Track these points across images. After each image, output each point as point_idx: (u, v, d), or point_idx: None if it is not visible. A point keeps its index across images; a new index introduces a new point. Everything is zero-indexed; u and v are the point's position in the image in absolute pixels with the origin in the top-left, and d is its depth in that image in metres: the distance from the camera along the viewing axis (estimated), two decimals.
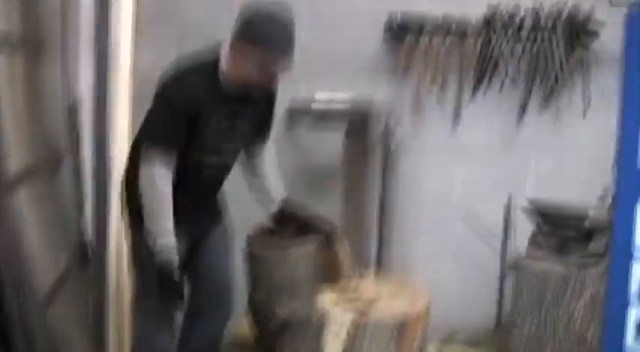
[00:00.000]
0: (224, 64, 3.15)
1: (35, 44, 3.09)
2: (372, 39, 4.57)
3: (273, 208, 3.58)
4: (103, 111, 3.72)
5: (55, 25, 3.29)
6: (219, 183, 3.46)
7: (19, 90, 2.82)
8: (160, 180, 3.07)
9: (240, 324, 3.94)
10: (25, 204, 2.79)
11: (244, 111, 3.29)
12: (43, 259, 2.90)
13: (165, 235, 3.11)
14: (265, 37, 3.05)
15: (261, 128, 3.51)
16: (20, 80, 2.83)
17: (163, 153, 3.07)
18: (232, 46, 3.12)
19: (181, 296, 3.27)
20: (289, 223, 3.59)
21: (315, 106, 4.35)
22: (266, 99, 3.44)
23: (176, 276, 3.13)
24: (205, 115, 3.15)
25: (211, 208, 3.52)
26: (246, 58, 3.08)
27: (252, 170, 3.60)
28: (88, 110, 3.74)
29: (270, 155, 3.63)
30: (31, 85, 2.99)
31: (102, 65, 3.69)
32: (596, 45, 4.68)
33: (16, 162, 2.72)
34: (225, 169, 3.42)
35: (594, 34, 4.65)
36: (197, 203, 3.37)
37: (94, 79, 3.71)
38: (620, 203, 3.24)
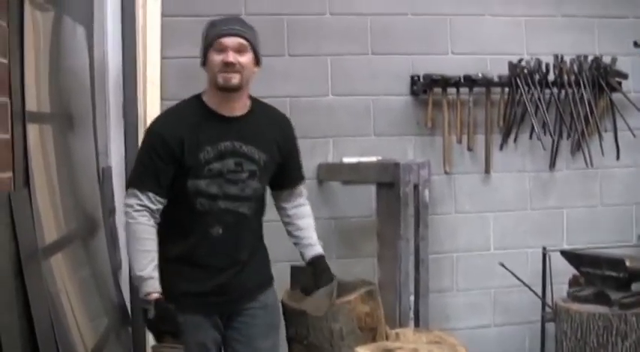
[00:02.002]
0: (207, 92, 3.00)
1: (66, 117, 3.15)
2: (399, 93, 4.62)
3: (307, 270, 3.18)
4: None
5: (85, 98, 3.36)
6: (238, 239, 2.97)
7: (52, 161, 2.87)
8: (133, 219, 2.85)
9: None
10: (62, 271, 2.82)
11: (245, 143, 2.94)
12: (82, 325, 2.92)
13: (146, 279, 2.82)
14: (213, 29, 2.93)
15: (283, 168, 3.10)
16: (52, 152, 2.89)
17: (138, 193, 2.85)
18: (206, 70, 2.99)
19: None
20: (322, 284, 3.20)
21: (346, 161, 4.39)
22: (277, 130, 3.09)
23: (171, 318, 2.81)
24: (193, 149, 2.87)
25: (239, 277, 2.99)
26: (210, 61, 2.91)
27: (284, 218, 3.20)
28: (119, 178, 3.81)
29: (307, 206, 3.25)
30: (63, 156, 3.03)
31: (131, 135, 3.78)
32: (624, 87, 4.69)
33: (50, 232, 2.75)
34: (241, 219, 2.96)
35: (622, 76, 4.65)
36: (212, 267, 2.95)
37: (124, 149, 3.80)
38: None
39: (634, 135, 4.58)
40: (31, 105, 2.61)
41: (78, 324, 2.87)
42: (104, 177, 3.65)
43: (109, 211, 3.71)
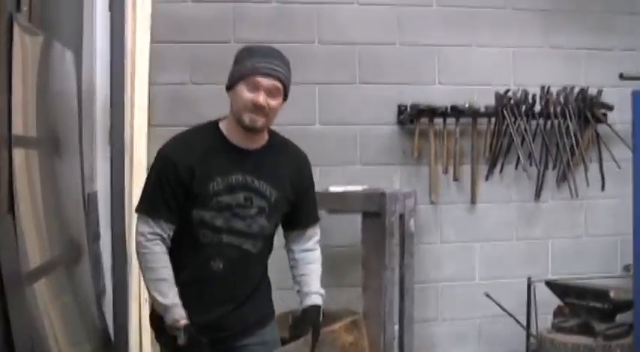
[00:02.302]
0: (224, 121, 2.82)
1: (52, 141, 3.15)
2: (386, 123, 4.65)
3: (298, 317, 2.96)
4: (120, 204, 3.79)
5: (72, 123, 3.36)
6: (239, 275, 2.84)
7: (38, 186, 2.87)
8: (146, 249, 2.72)
9: None
10: (45, 296, 2.80)
11: (258, 177, 2.79)
12: (64, 350, 2.89)
13: (170, 307, 2.70)
14: (250, 61, 2.72)
15: (295, 208, 2.93)
16: (37, 176, 2.88)
17: (150, 220, 2.72)
18: (229, 98, 2.79)
19: None
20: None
21: (333, 189, 4.39)
22: (293, 168, 2.93)
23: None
24: (202, 178, 2.74)
25: (238, 312, 2.86)
26: (239, 95, 2.71)
27: (291, 261, 3.01)
28: (105, 203, 3.81)
29: (316, 252, 3.02)
30: (49, 181, 3.03)
31: (117, 160, 3.78)
32: (610, 118, 4.74)
33: (34, 257, 2.74)
34: (245, 256, 2.82)
35: (608, 107, 4.70)
36: (210, 301, 2.84)
37: (110, 173, 3.80)
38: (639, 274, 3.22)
39: (619, 167, 4.62)
40: (17, 129, 2.61)
41: (60, 349, 2.85)
42: (90, 202, 3.65)
43: (94, 236, 3.70)
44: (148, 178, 2.84)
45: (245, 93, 2.70)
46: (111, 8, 3.84)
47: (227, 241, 2.78)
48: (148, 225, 2.73)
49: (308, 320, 2.90)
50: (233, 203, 2.76)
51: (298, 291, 2.96)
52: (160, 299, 2.72)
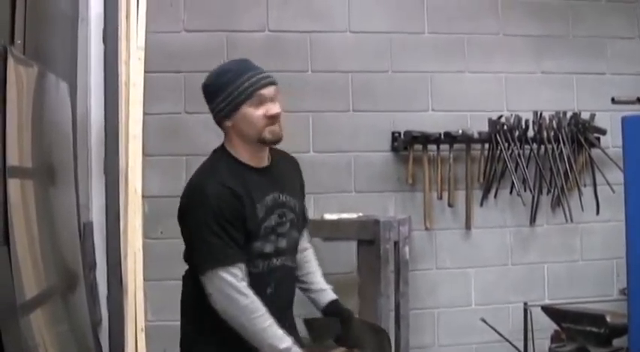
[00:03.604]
0: (233, 146, 2.70)
1: (47, 172, 3.17)
2: (380, 150, 4.70)
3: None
4: (115, 233, 3.81)
5: (67, 153, 3.40)
6: (286, 293, 2.80)
7: (33, 215, 2.88)
8: (235, 295, 2.54)
9: None
10: (41, 327, 2.82)
11: (282, 192, 2.73)
12: None
13: (293, 347, 2.56)
14: (246, 80, 2.64)
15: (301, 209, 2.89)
16: (33, 207, 2.90)
17: (230, 269, 2.55)
18: (231, 127, 2.68)
19: None
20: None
21: (327, 217, 4.42)
22: (296, 174, 2.92)
23: None
24: (249, 207, 2.62)
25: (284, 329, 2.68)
26: (248, 117, 2.63)
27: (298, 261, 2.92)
28: (100, 233, 3.83)
29: (312, 249, 3.00)
30: (44, 211, 3.05)
31: (112, 190, 3.81)
32: (603, 142, 4.78)
33: (30, 287, 2.76)
34: (288, 273, 2.78)
35: (601, 132, 4.75)
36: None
37: (105, 201, 3.82)
38: (634, 298, 3.24)
39: (613, 191, 4.65)
40: (12, 159, 2.64)
41: None
42: (85, 232, 3.67)
43: (90, 266, 3.72)
44: (200, 231, 2.59)
45: (254, 112, 2.62)
46: (104, 40, 3.89)
47: (276, 264, 2.70)
48: (231, 275, 2.54)
49: (344, 312, 2.84)
50: (274, 224, 2.69)
51: (306, 290, 2.89)
52: (279, 344, 2.54)
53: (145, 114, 4.07)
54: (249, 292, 2.55)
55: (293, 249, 2.79)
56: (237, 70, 2.68)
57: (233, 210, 2.58)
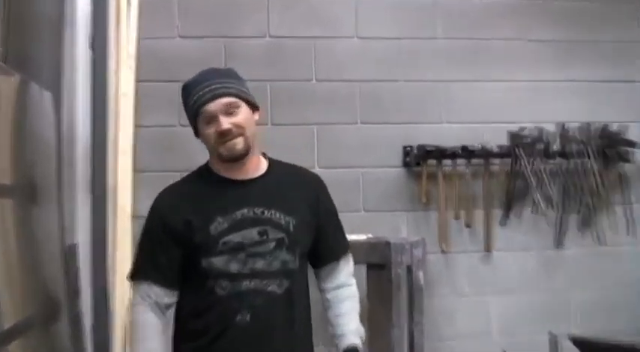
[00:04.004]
0: (211, 159, 2.80)
1: (28, 189, 3.15)
2: (391, 165, 4.67)
3: None
4: (102, 256, 3.78)
5: (50, 169, 3.37)
6: (269, 326, 2.67)
7: (12, 237, 2.86)
8: (136, 314, 2.68)
9: None
10: None
11: (268, 207, 2.69)
12: None
13: None
14: (191, 97, 2.68)
15: (319, 237, 2.82)
16: (12, 227, 2.87)
17: (142, 287, 2.68)
18: (202, 141, 2.77)
19: None
20: None
21: None
22: (304, 188, 2.86)
23: None
24: (202, 224, 2.65)
25: None
26: (204, 135, 2.70)
27: (324, 303, 2.90)
28: (86, 256, 3.80)
29: (351, 288, 2.93)
30: (24, 231, 3.02)
31: (99, 209, 3.78)
32: (636, 156, 4.75)
33: (7, 317, 2.72)
34: (272, 301, 2.67)
35: (632, 144, 4.72)
36: None
37: (91, 223, 3.80)
38: None
39: None
40: None
41: None
42: (69, 255, 3.64)
43: (74, 293, 3.68)
44: (140, 238, 2.79)
45: (206, 129, 2.68)
46: (92, 46, 3.87)
47: (248, 287, 2.64)
48: (140, 292, 2.69)
49: None
50: (245, 241, 2.65)
51: (332, 335, 2.84)
52: None
53: (136, 126, 4.06)
54: (143, 315, 2.67)
55: (280, 272, 2.68)
56: (192, 84, 2.73)
57: (170, 234, 2.67)
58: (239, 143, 2.68)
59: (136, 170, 4.01)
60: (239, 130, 2.67)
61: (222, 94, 2.66)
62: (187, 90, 2.73)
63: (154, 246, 2.70)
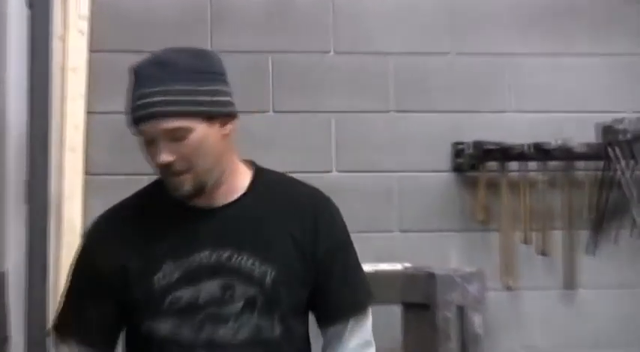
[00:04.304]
0: None
1: None
2: (436, 169, 4.67)
3: None
4: (41, 288, 3.79)
5: None
6: None
7: None
8: None
9: None
10: None
11: (238, 249, 2.56)
12: None
13: None
14: (130, 99, 2.49)
15: (319, 288, 2.69)
16: None
17: (60, 343, 2.66)
18: None
19: None
20: None
21: None
22: (297, 218, 2.70)
23: None
24: (142, 272, 2.55)
25: None
26: (147, 156, 2.54)
27: None
28: (17, 289, 3.80)
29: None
30: None
31: (37, 228, 3.78)
32: None
33: None
34: None
35: None
36: None
37: (26, 242, 3.80)
38: None
39: None
40: None
41: None
42: None
43: (1, 340, 3.69)
44: (66, 281, 2.73)
45: (145, 149, 2.53)
46: (30, 3, 3.88)
47: (224, 342, 2.53)
48: (59, 349, 2.67)
49: None
50: (202, 299, 2.53)
51: None
52: None
53: (88, 113, 4.07)
54: None
55: (252, 344, 2.56)
56: (136, 77, 2.52)
57: (100, 281, 2.58)
58: (186, 182, 2.49)
59: (88, 172, 4.01)
60: (186, 165, 2.48)
61: (163, 115, 2.44)
62: (130, 82, 2.52)
63: (83, 296, 2.63)
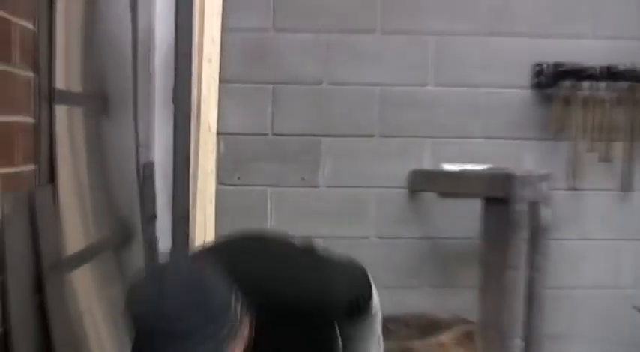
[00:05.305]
0: None
1: (100, 99, 3.20)
2: (518, 86, 4.60)
3: None
4: (183, 176, 3.86)
5: (125, 77, 3.41)
6: None
7: (82, 152, 2.91)
8: None
9: None
10: (88, 288, 2.88)
11: None
12: (108, 343, 2.98)
13: None
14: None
15: None
16: (82, 140, 2.92)
17: None
18: None
19: None
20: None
21: (447, 168, 4.38)
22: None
23: None
24: None
25: None
26: None
27: None
28: (163, 178, 3.87)
29: None
30: (95, 147, 3.08)
31: (181, 125, 3.84)
32: None
33: (76, 240, 2.81)
34: None
35: None
36: None
37: (172, 139, 3.86)
38: None
39: None
40: (60, 82, 2.67)
41: (104, 348, 2.93)
42: (145, 175, 3.72)
43: (149, 218, 3.77)
44: None
45: None
46: None
47: None
48: None
49: None
50: None
51: None
52: None
53: (223, 30, 4.07)
54: None
55: None
56: (135, 325, 1.94)
57: None
58: None
59: (222, 81, 4.03)
60: None
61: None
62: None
63: None
